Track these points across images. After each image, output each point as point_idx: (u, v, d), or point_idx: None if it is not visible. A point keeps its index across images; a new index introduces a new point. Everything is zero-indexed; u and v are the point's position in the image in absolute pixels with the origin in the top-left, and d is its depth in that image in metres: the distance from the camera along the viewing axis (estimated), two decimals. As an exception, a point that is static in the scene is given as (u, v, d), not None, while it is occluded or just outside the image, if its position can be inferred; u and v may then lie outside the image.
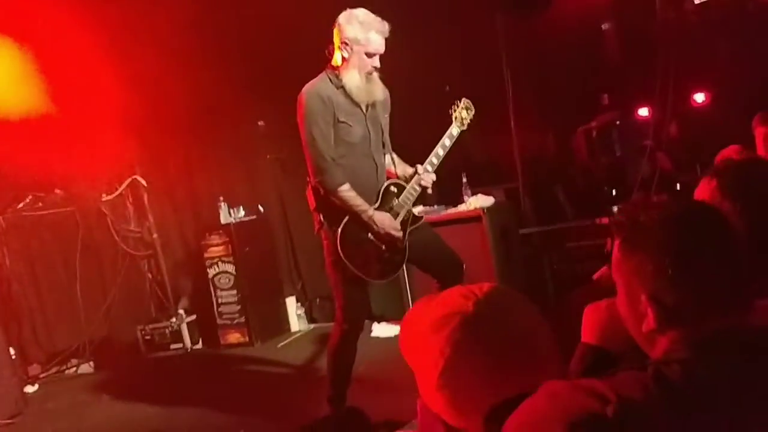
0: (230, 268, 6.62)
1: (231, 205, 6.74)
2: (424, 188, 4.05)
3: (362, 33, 3.81)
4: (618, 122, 7.13)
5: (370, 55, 3.85)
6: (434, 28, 6.21)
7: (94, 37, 6.08)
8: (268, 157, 6.48)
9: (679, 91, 6.79)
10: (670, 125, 7.06)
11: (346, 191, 3.85)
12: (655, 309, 1.39)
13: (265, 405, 5.00)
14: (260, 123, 6.49)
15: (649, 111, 6.95)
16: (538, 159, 7.09)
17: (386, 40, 3.87)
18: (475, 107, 4.18)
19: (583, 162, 7.29)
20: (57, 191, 6.69)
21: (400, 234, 3.98)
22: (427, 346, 1.34)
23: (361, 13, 3.86)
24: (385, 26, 3.86)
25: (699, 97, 7.10)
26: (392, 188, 4.04)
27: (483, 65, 6.55)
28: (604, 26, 6.69)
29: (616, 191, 6.88)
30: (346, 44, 3.84)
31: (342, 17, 3.87)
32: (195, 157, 7.18)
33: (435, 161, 4.04)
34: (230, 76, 6.62)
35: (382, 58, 3.92)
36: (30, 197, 6.47)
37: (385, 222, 3.93)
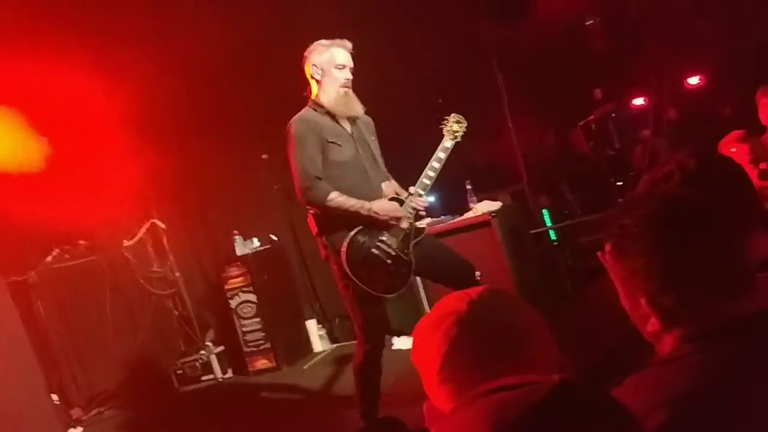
0: (251, 297, 6.76)
1: (245, 237, 6.91)
2: (416, 210, 4.07)
3: (326, 52, 4.05)
4: (614, 114, 7.20)
5: (340, 68, 4.03)
6: (421, 41, 6.31)
7: (105, 86, 6.25)
8: (275, 187, 6.63)
9: (673, 76, 6.85)
10: (669, 110, 7.12)
11: (336, 198, 3.90)
12: (656, 311, 1.40)
13: (299, 427, 5.13)
14: (264, 156, 6.66)
15: (644, 100, 7.02)
16: (540, 158, 7.15)
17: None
18: (471, 113, 4.18)
19: (584, 156, 7.35)
20: (81, 242, 6.89)
21: (403, 213, 3.98)
22: (427, 347, 1.41)
23: (322, 39, 4.11)
24: (346, 43, 4.09)
25: (693, 80, 7.16)
26: (394, 200, 4.07)
27: (474, 72, 6.63)
28: (589, 22, 6.77)
29: (621, 182, 6.93)
30: (316, 67, 4.06)
31: (307, 51, 4.11)
32: (207, 195, 7.41)
33: (427, 181, 4.04)
34: (233, 113, 6.84)
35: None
36: (56, 250, 6.66)
37: (385, 207, 3.96)
